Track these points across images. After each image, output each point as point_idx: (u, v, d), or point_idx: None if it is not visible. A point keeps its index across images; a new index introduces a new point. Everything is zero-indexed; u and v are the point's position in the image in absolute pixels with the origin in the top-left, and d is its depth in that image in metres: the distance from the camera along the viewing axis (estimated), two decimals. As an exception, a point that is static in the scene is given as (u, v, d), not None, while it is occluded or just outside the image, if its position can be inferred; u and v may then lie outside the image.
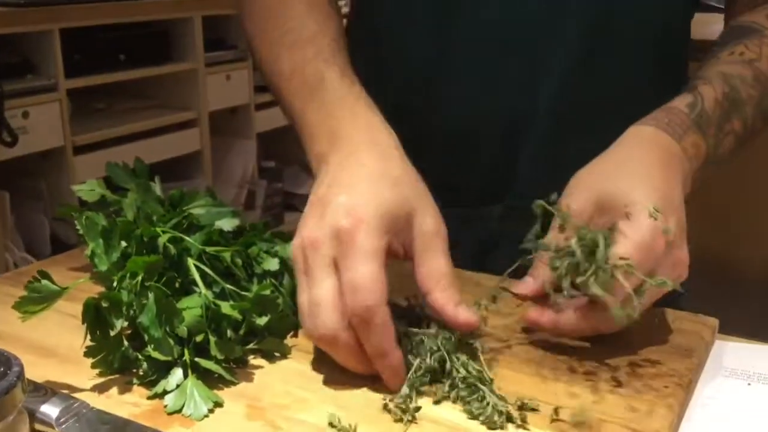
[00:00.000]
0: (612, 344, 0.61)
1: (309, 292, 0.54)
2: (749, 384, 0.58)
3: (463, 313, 0.55)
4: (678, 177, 0.61)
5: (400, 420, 0.51)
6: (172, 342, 0.55)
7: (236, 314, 0.58)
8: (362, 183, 0.56)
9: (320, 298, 0.53)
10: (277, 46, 0.70)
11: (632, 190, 0.58)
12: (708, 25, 1.05)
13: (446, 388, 0.53)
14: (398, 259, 0.57)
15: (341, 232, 0.53)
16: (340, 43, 0.70)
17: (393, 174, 0.57)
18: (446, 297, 0.55)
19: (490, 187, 0.82)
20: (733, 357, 0.62)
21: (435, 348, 0.55)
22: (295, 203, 3.13)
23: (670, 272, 0.57)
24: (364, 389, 0.55)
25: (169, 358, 0.55)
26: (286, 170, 3.11)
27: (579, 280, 0.54)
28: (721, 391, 0.58)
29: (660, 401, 0.54)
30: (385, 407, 0.52)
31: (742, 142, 0.71)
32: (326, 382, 0.56)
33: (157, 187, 0.71)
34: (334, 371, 0.57)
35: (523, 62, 0.76)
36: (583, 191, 0.60)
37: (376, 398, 0.54)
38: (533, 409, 0.52)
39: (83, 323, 0.55)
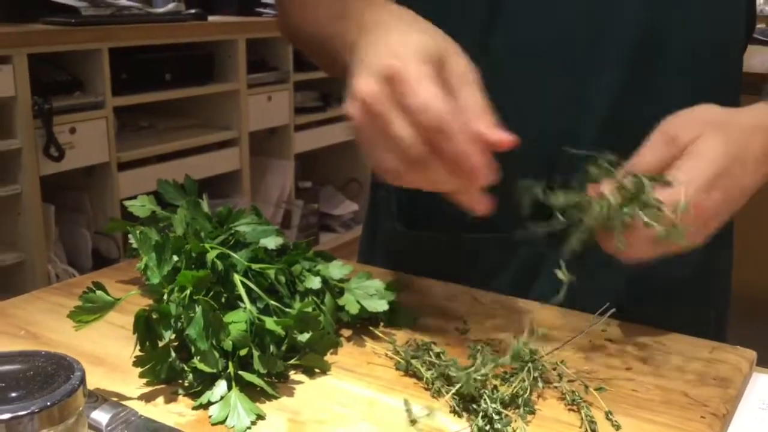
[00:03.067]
0: (649, 374, 0.61)
1: (385, 130, 0.56)
2: (787, 417, 0.58)
3: (500, 133, 0.58)
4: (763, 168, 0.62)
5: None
6: (217, 355, 0.57)
7: (279, 330, 0.59)
8: (397, 38, 0.60)
9: (399, 131, 0.56)
10: (324, 21, 0.74)
11: (704, 136, 0.60)
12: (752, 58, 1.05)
13: (480, 422, 0.53)
14: None
15: (390, 70, 0.56)
16: None
17: (420, 25, 0.62)
18: (484, 123, 0.58)
19: (535, 210, 0.82)
20: (771, 390, 0.62)
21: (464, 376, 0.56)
22: (331, 224, 3.16)
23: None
24: (403, 409, 0.56)
25: (214, 371, 0.56)
26: (322, 191, 3.14)
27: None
28: (758, 423, 0.58)
29: None
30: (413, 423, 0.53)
31: None
32: (364, 399, 0.57)
33: (204, 204, 0.73)
34: (373, 389, 0.58)
35: (564, 87, 0.76)
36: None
37: (413, 416, 0.55)
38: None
39: (134, 333, 0.57)
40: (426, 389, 0.58)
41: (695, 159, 0.59)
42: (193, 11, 2.49)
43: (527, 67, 0.77)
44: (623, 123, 0.76)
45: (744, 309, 0.91)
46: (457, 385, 0.55)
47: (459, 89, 0.58)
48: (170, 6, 2.49)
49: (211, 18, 2.54)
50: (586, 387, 0.58)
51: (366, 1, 0.69)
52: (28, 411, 0.37)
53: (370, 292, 0.67)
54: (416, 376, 0.60)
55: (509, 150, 0.76)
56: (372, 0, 0.69)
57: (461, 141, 0.55)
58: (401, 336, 0.67)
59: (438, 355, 0.61)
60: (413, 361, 0.60)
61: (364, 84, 0.57)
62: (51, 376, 0.39)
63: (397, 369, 0.61)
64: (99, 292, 0.57)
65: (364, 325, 0.68)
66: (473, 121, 0.57)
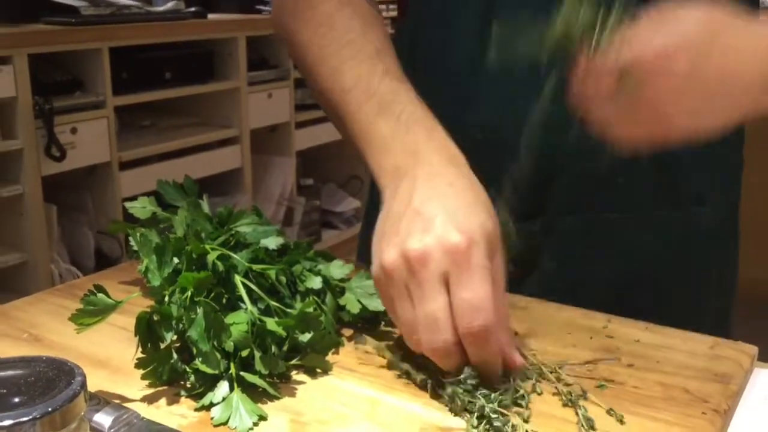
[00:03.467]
0: (651, 370, 0.61)
1: (421, 306, 0.55)
2: (788, 413, 0.58)
3: (518, 358, 0.58)
4: (754, 63, 0.58)
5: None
6: (218, 356, 0.57)
7: (280, 330, 0.59)
8: (459, 203, 0.57)
9: (437, 313, 0.54)
10: (336, 56, 0.70)
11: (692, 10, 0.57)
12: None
13: (474, 422, 0.53)
14: None
15: (455, 249, 0.54)
16: (400, 64, 0.71)
17: (485, 201, 0.59)
18: (508, 338, 0.58)
19: (528, 203, 0.82)
20: (772, 385, 0.62)
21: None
22: (333, 221, 3.16)
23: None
24: (404, 407, 0.56)
25: (216, 372, 0.56)
26: (324, 188, 3.15)
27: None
28: (759, 418, 0.58)
29: (698, 428, 0.54)
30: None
31: None
32: (366, 400, 0.58)
33: (205, 205, 0.73)
34: (375, 389, 0.59)
35: (557, 77, 0.77)
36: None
37: (416, 417, 0.55)
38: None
39: (135, 335, 0.57)
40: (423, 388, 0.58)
41: (668, 22, 0.57)
42: (193, 9, 2.49)
43: (520, 68, 0.77)
44: None
45: (745, 305, 0.91)
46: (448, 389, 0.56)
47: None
48: (170, 4, 2.49)
49: (211, 16, 2.54)
50: (584, 391, 0.58)
51: (417, 102, 0.65)
52: (30, 417, 0.37)
53: (370, 291, 0.67)
54: (408, 376, 0.60)
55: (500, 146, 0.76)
56: (422, 107, 0.65)
57: (493, 351, 0.55)
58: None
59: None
60: (403, 365, 0.60)
61: (418, 245, 0.54)
62: (52, 382, 0.40)
63: (389, 369, 0.61)
64: (100, 295, 0.57)
65: (365, 324, 0.68)
66: (500, 330, 0.56)
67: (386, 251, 0.56)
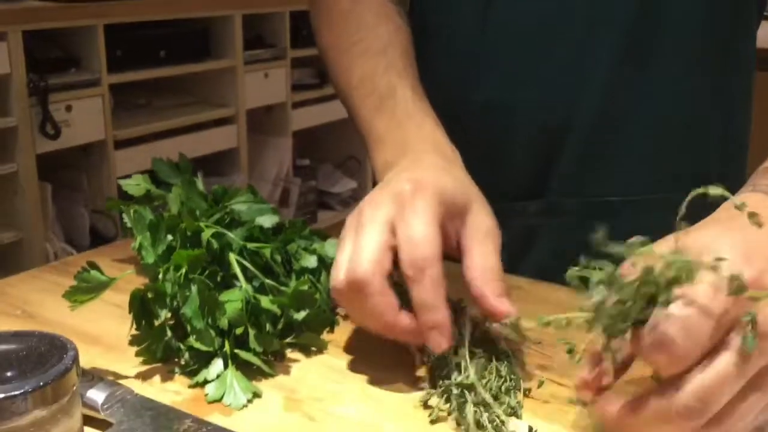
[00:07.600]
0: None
1: (357, 241, 0.55)
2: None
3: (503, 304, 0.55)
4: None
5: (436, 420, 0.52)
6: (213, 333, 0.57)
7: (275, 309, 0.59)
8: (427, 170, 0.60)
9: (365, 245, 0.54)
10: (348, 54, 0.75)
11: (716, 240, 0.48)
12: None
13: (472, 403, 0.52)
14: (446, 247, 0.57)
15: (402, 195, 0.56)
16: (410, 56, 0.74)
17: (456, 174, 0.61)
18: (490, 288, 0.56)
19: (529, 183, 0.82)
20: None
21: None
22: (329, 201, 3.15)
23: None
24: (399, 385, 0.56)
25: (210, 349, 0.56)
26: (320, 169, 3.13)
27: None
28: None
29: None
30: (425, 406, 0.54)
31: None
32: (361, 378, 0.58)
33: (199, 183, 0.73)
34: (370, 367, 0.59)
35: (562, 60, 0.76)
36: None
37: (409, 396, 0.55)
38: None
39: (130, 313, 0.57)
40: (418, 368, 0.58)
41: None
42: (188, -13, 2.47)
43: (526, 40, 0.77)
44: (622, 95, 0.76)
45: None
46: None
47: (472, 247, 0.57)
48: (165, -18, 2.47)
49: (206, -7, 2.52)
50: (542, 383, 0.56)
51: (413, 97, 0.69)
52: (22, 391, 0.37)
53: (366, 270, 0.67)
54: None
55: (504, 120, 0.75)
56: (418, 100, 0.68)
57: (432, 290, 0.53)
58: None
59: None
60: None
61: (371, 195, 0.58)
62: (44, 356, 0.39)
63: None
64: (93, 272, 0.57)
65: (360, 303, 0.68)
66: (481, 282, 0.56)
67: (353, 211, 0.59)
